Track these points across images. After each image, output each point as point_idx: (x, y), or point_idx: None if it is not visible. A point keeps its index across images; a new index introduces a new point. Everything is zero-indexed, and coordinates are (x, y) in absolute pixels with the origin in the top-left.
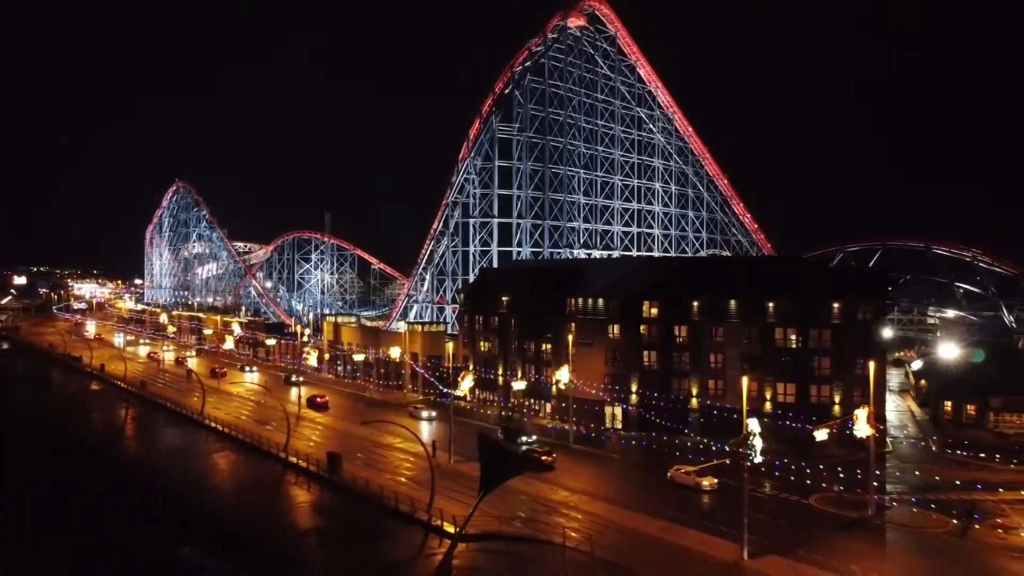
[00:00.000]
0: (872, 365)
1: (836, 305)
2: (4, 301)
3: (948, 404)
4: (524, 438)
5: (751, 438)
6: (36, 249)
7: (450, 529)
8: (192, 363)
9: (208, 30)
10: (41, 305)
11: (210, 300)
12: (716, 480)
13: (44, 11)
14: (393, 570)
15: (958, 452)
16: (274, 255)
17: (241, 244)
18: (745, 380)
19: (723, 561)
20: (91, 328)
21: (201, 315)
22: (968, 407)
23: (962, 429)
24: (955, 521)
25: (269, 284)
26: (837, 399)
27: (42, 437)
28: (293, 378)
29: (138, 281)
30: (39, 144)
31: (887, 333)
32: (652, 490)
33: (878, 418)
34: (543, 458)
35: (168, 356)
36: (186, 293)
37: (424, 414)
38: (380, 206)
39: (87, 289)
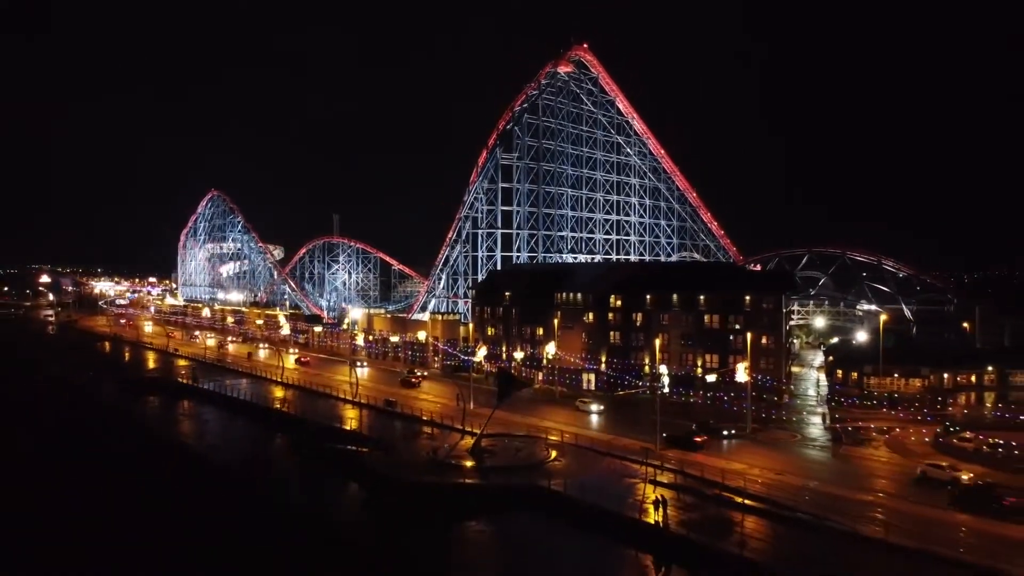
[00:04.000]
0: (749, 336)
1: (747, 298)
2: (50, 298)
3: (839, 372)
4: None
5: (660, 377)
6: (38, 249)
7: (477, 430)
8: (262, 352)
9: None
10: (78, 301)
11: (242, 296)
12: (972, 475)
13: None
14: (445, 448)
15: (833, 402)
16: (305, 256)
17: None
18: (658, 342)
19: (643, 448)
20: (148, 324)
21: (244, 309)
22: (852, 373)
23: (846, 389)
24: (798, 436)
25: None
26: (750, 366)
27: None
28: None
29: (152, 279)
30: (38, 149)
31: (819, 323)
32: (608, 420)
33: (779, 377)
34: None
35: (263, 352)
36: (218, 290)
37: (593, 407)
38: (395, 215)
39: (103, 287)
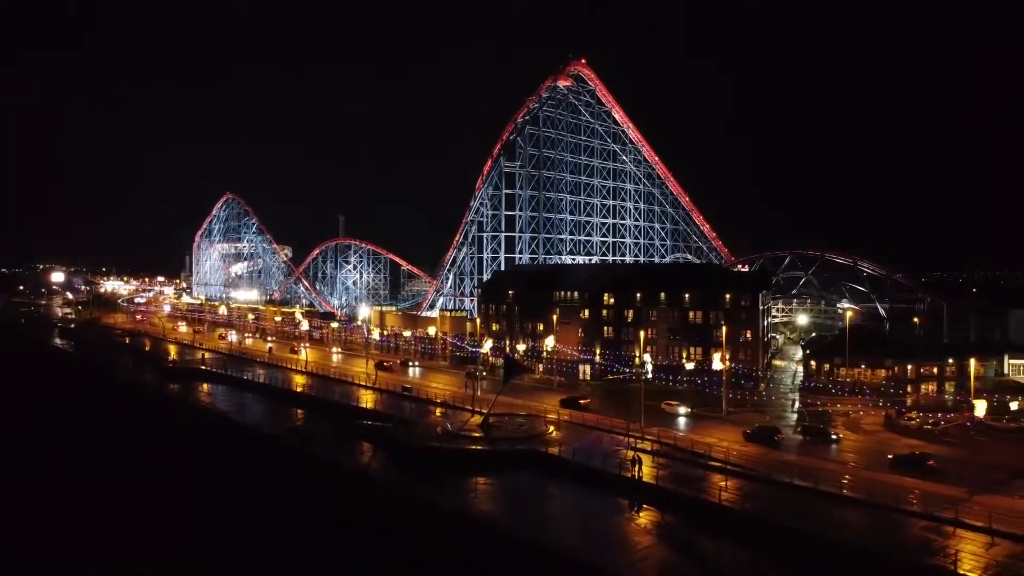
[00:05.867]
0: (725, 330)
1: (727, 296)
2: (68, 296)
3: (813, 364)
4: None
5: (644, 365)
6: (40, 249)
7: (484, 410)
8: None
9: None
10: (94, 299)
11: (255, 295)
12: None
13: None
14: (458, 423)
15: (805, 389)
16: (318, 256)
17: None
18: (642, 335)
19: (625, 426)
20: (182, 324)
21: (260, 307)
22: (824, 365)
23: (818, 378)
24: (768, 418)
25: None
26: (727, 356)
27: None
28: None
29: (160, 278)
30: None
31: (802, 320)
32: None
33: (755, 368)
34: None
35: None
36: (232, 289)
37: (681, 410)
38: (401, 217)
39: (112, 285)
